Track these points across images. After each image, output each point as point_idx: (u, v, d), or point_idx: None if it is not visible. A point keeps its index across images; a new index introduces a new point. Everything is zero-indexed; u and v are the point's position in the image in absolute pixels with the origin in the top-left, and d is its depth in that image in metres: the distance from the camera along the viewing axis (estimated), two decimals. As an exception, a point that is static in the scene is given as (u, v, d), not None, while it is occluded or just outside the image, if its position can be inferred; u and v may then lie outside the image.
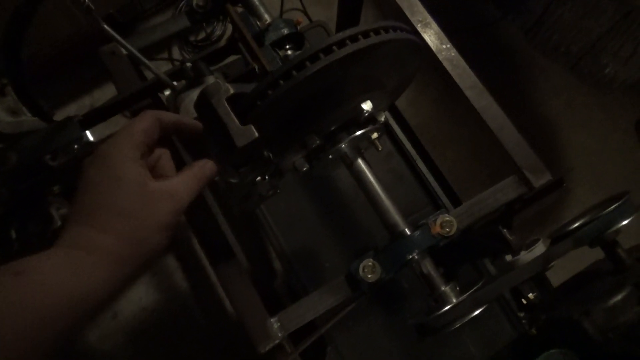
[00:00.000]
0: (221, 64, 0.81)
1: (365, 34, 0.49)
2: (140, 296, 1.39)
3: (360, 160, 0.60)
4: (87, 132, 0.70)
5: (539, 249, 0.65)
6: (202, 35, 1.66)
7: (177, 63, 1.61)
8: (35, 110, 0.71)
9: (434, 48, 0.74)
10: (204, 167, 0.47)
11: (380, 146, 0.60)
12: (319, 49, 0.48)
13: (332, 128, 0.56)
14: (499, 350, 0.69)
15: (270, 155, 0.54)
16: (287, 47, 0.72)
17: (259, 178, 0.57)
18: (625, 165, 1.65)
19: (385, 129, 0.89)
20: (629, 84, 1.68)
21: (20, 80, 0.65)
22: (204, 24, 1.64)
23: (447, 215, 0.58)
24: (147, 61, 0.63)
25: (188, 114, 0.61)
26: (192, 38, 1.65)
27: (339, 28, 1.14)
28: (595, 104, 1.72)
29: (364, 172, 0.60)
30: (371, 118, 0.57)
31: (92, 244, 0.38)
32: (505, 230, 0.66)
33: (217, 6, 0.75)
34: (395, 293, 0.97)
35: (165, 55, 1.64)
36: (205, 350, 1.36)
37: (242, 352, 1.07)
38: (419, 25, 0.75)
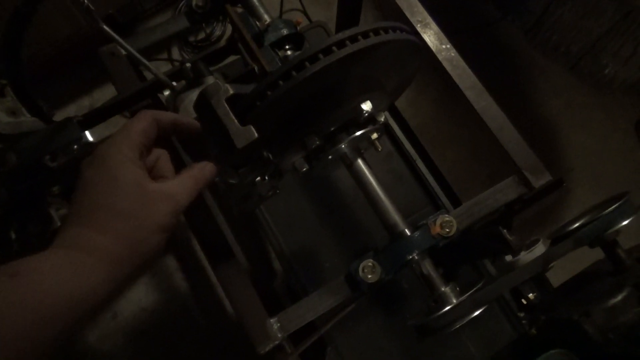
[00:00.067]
0: (221, 65, 0.81)
1: (365, 35, 0.49)
2: (140, 296, 1.39)
3: (360, 161, 0.60)
4: (87, 133, 0.70)
5: (539, 249, 0.65)
6: (201, 35, 1.66)
7: (176, 63, 1.62)
8: (35, 110, 0.71)
9: (433, 48, 0.74)
10: (204, 170, 0.47)
11: (380, 146, 0.59)
12: (319, 49, 0.48)
13: (332, 128, 0.56)
14: (499, 350, 0.69)
15: (270, 155, 0.54)
16: (287, 47, 0.72)
17: (258, 178, 0.57)
18: (625, 165, 1.65)
19: (385, 129, 0.89)
20: (629, 84, 1.68)
21: (20, 81, 0.65)
22: (204, 25, 1.64)
23: (447, 215, 0.58)
24: (146, 61, 0.63)
25: (188, 115, 0.61)
26: (191, 38, 1.65)
27: (339, 28, 1.14)
28: (595, 104, 1.72)
29: (364, 173, 0.60)
30: (371, 118, 0.57)
31: (91, 245, 0.38)
32: (505, 230, 0.66)
33: (217, 6, 0.75)
34: (395, 293, 0.97)
35: (165, 55, 1.64)
36: (205, 350, 1.36)
37: (242, 353, 1.07)
38: (418, 25, 0.75)
